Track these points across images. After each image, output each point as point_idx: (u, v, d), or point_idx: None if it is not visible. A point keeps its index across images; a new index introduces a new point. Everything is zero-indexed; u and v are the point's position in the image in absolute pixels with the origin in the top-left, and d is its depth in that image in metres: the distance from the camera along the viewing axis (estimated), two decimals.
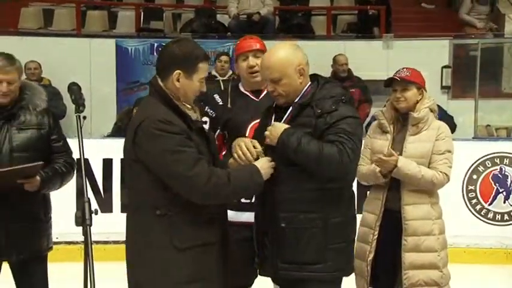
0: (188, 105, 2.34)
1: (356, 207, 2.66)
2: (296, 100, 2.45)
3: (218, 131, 2.96)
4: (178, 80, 2.28)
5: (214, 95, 3.03)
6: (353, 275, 3.16)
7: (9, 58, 2.86)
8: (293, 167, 2.38)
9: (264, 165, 2.35)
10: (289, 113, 2.45)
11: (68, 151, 2.96)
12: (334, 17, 9.15)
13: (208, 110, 2.99)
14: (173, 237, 2.21)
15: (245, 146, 2.39)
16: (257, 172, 2.31)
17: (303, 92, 2.45)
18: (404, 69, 3.13)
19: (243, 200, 2.92)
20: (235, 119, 2.92)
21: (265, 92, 2.96)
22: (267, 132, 2.40)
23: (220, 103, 2.99)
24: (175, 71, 2.26)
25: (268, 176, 2.36)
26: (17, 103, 2.87)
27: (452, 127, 6.11)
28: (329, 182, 2.36)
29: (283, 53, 2.43)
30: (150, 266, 2.17)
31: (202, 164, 2.21)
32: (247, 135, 2.87)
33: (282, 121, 2.46)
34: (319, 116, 2.36)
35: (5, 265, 2.95)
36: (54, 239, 3.06)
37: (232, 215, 2.94)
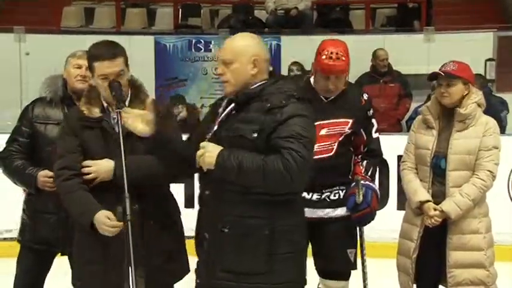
0: (105, 103, 2.53)
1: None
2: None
3: None
4: (93, 77, 2.52)
5: None
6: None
7: None
8: None
9: (105, 223, 2.37)
10: (234, 105, 2.29)
11: None
12: (373, 11, 9.00)
13: None
14: None
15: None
16: (89, 217, 2.40)
17: (254, 86, 2.28)
18: (451, 63, 3.03)
19: (306, 195, 2.90)
20: None
21: (335, 95, 2.98)
22: (199, 160, 2.19)
23: None
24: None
25: (108, 233, 2.37)
26: None
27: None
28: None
29: (244, 40, 2.32)
30: None
31: (65, 159, 2.50)
32: None
33: (225, 112, 2.29)
34: (268, 110, 2.18)
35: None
36: None
37: None
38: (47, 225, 2.89)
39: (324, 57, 2.89)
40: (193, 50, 7.79)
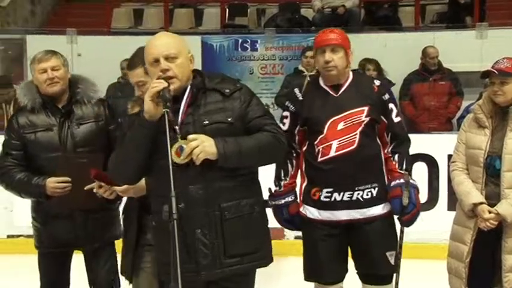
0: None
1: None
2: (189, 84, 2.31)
3: (298, 126, 2.94)
4: None
5: (295, 89, 3.01)
6: None
7: (49, 51, 2.98)
8: None
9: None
10: (187, 95, 2.28)
11: None
12: (423, 7, 8.83)
13: (289, 104, 2.99)
14: None
15: None
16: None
17: (192, 81, 2.32)
18: (505, 60, 2.92)
19: (322, 199, 2.89)
20: (314, 116, 2.89)
21: (345, 87, 2.92)
22: (195, 153, 2.17)
23: (300, 98, 2.96)
24: None
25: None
26: (71, 98, 2.95)
27: None
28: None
29: (177, 36, 2.37)
30: None
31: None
32: (325, 133, 2.85)
33: (183, 104, 2.27)
34: (228, 96, 2.29)
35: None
36: None
37: (314, 213, 2.94)
38: (63, 229, 2.90)
39: (318, 35, 2.95)
40: (239, 49, 7.81)
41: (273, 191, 3.03)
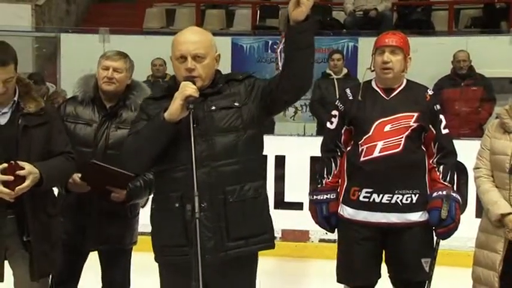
0: None
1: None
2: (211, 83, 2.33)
3: (345, 126, 2.95)
4: None
5: (346, 90, 3.02)
6: None
7: (121, 53, 2.99)
8: (231, 134, 2.26)
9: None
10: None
11: None
12: (457, 12, 8.71)
13: (339, 104, 2.99)
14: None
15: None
16: None
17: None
18: None
19: (361, 199, 2.87)
20: (362, 116, 2.89)
21: (397, 91, 2.91)
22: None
23: (350, 97, 2.96)
24: None
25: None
26: (120, 102, 2.94)
27: None
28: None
29: (208, 34, 2.33)
30: None
31: None
32: (371, 133, 2.83)
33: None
34: (241, 81, 2.34)
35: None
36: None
37: (351, 213, 2.92)
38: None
39: (380, 36, 2.94)
40: (269, 51, 7.83)
41: (316, 186, 3.03)
